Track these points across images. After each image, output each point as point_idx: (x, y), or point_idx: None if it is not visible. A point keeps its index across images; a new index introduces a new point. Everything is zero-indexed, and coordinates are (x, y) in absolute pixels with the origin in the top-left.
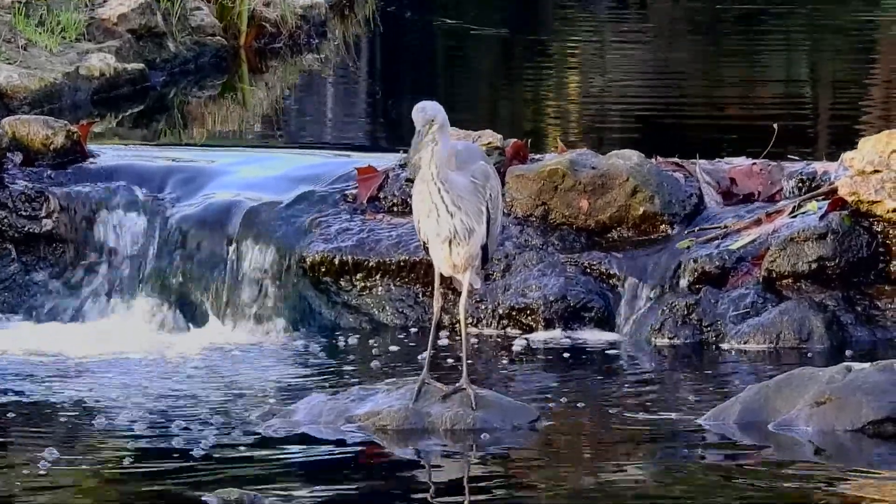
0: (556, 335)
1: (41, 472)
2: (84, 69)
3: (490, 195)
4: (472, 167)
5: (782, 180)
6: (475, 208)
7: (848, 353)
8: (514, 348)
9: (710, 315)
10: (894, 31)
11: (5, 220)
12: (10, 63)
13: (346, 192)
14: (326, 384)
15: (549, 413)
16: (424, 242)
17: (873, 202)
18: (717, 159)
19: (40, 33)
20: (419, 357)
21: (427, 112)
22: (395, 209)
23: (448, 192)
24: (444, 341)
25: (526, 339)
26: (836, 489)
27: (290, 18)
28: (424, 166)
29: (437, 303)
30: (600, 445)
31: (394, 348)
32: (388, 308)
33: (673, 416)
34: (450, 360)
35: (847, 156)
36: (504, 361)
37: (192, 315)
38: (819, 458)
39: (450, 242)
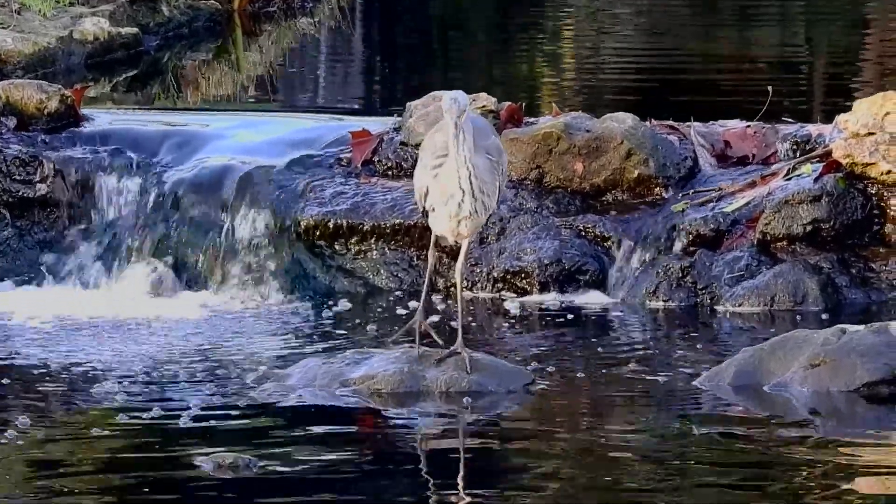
0: (551, 298)
1: (20, 437)
2: (78, 33)
3: (502, 170)
4: (486, 143)
5: (777, 143)
6: (493, 186)
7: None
8: (509, 311)
9: (705, 277)
10: None
11: None
12: (3, 27)
13: (341, 155)
14: (321, 348)
15: (543, 376)
16: (426, 210)
17: (868, 164)
18: (711, 122)
19: None
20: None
21: (460, 103)
22: (390, 173)
23: (477, 177)
24: (438, 305)
25: (520, 302)
26: (830, 450)
27: None
28: (458, 154)
29: (431, 258)
30: (595, 408)
31: (388, 312)
32: (382, 272)
33: (667, 378)
34: (444, 324)
35: (841, 118)
36: (499, 325)
37: (186, 279)
38: (813, 419)
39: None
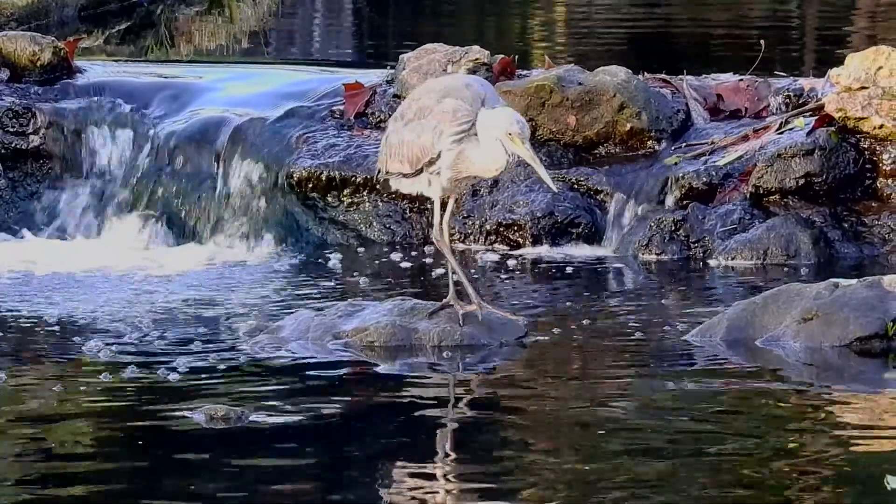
0: (544, 251)
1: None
2: None
3: None
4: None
5: (769, 96)
6: None
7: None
8: (502, 264)
9: (698, 231)
10: None
11: None
12: None
13: (334, 108)
14: (313, 300)
15: (536, 329)
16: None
17: (860, 118)
18: (704, 75)
19: None
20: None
21: (525, 126)
22: (383, 125)
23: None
24: (429, 259)
25: (513, 255)
26: (822, 405)
27: None
28: (544, 174)
29: (446, 235)
30: (587, 361)
31: (381, 264)
32: (375, 224)
33: (660, 332)
34: (436, 277)
35: (834, 72)
36: (491, 278)
37: (179, 231)
38: (806, 374)
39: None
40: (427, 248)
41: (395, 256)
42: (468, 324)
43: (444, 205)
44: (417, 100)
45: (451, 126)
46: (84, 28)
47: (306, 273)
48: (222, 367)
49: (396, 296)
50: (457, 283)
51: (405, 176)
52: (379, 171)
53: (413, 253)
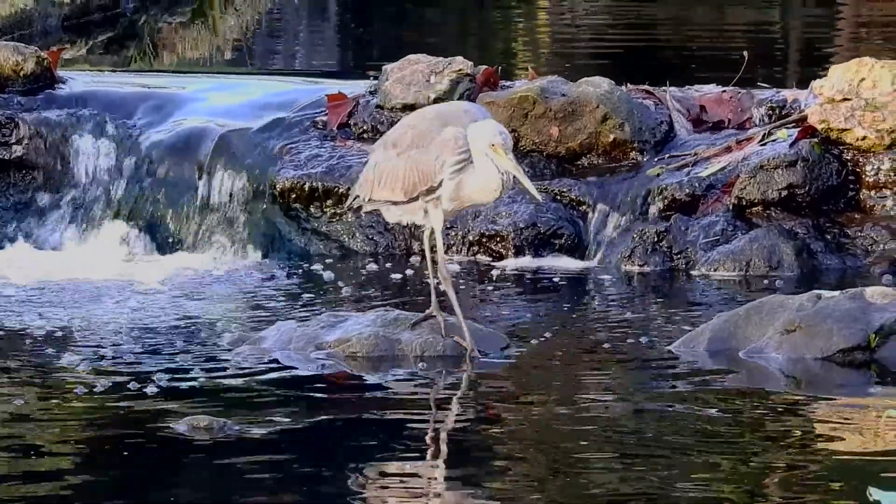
0: (526, 262)
1: None
2: None
3: None
4: None
5: (752, 108)
6: None
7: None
8: (484, 275)
9: (680, 242)
10: None
11: None
12: None
13: (317, 118)
14: (296, 311)
15: (518, 340)
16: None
17: (843, 130)
18: (687, 87)
19: None
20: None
21: (508, 135)
22: (366, 136)
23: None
24: (411, 270)
25: (496, 266)
26: (805, 416)
27: None
28: (529, 184)
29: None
30: (570, 372)
31: (363, 275)
32: (357, 235)
33: (643, 343)
34: (419, 287)
35: (817, 84)
36: (474, 289)
37: (163, 241)
38: (789, 385)
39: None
40: (411, 260)
41: (378, 267)
42: (451, 334)
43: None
44: (413, 127)
45: (454, 154)
46: (67, 38)
47: (289, 284)
48: (205, 377)
49: (379, 306)
50: (441, 297)
51: (395, 204)
52: (357, 198)
53: (396, 264)
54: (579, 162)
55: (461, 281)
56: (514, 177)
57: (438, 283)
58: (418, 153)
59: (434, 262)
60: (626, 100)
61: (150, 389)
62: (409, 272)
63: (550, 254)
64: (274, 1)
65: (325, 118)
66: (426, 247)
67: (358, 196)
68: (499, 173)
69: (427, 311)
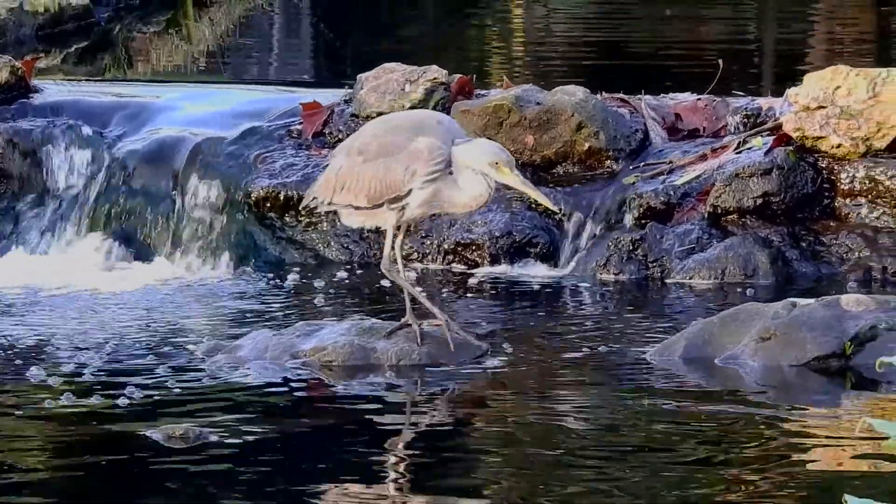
0: (502, 271)
1: None
2: (28, 4)
3: None
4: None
5: (727, 116)
6: None
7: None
8: (460, 284)
9: (656, 250)
10: None
11: None
12: None
13: (291, 127)
14: (271, 320)
15: (494, 349)
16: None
17: (818, 138)
18: (662, 95)
19: None
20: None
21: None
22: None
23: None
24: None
25: (471, 274)
26: (780, 425)
27: None
28: (538, 193)
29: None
30: (546, 380)
31: (338, 283)
32: (333, 244)
33: (618, 351)
34: (394, 296)
35: (792, 92)
36: (449, 297)
37: (137, 250)
38: (764, 392)
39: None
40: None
41: (353, 275)
42: (427, 343)
43: (395, 234)
44: (381, 136)
45: (427, 166)
46: (41, 47)
47: (264, 292)
48: (180, 386)
49: (355, 315)
50: (413, 301)
51: (357, 209)
52: (315, 199)
53: (371, 272)
54: (554, 170)
55: (437, 289)
56: (524, 193)
57: (419, 292)
58: (386, 162)
59: (394, 261)
60: (602, 108)
61: (125, 398)
62: (384, 280)
63: (526, 262)
64: (249, 10)
65: (300, 127)
66: (398, 254)
67: (316, 198)
68: (488, 188)
69: (403, 320)
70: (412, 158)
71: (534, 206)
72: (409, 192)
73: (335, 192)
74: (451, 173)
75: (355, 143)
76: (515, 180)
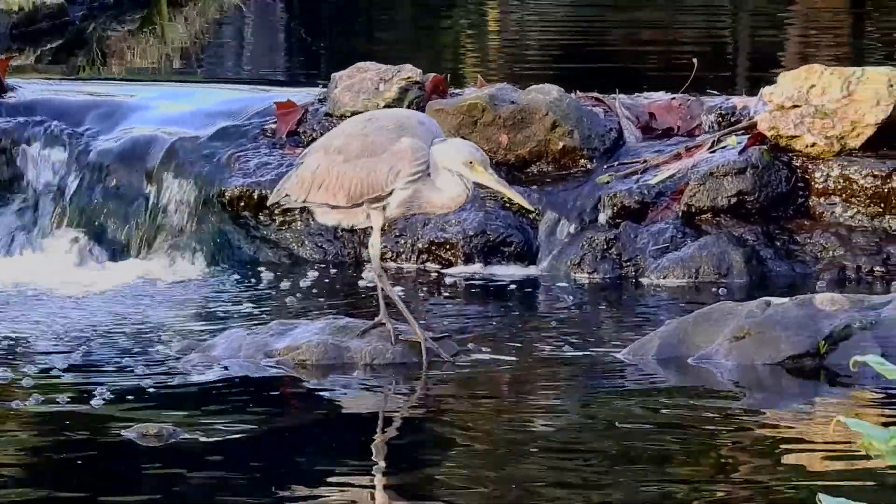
0: (476, 270)
1: None
2: (2, 3)
3: None
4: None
5: (702, 115)
6: None
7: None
8: (433, 283)
9: (630, 250)
10: None
11: None
12: None
13: (266, 126)
14: (245, 319)
15: (468, 348)
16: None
17: (793, 137)
18: (636, 94)
19: None
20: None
21: (481, 153)
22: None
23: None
24: (361, 278)
25: (445, 273)
26: (754, 424)
27: None
28: (513, 192)
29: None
30: (520, 379)
31: (312, 282)
32: (307, 242)
33: (592, 350)
34: (368, 295)
35: (766, 91)
36: (423, 296)
37: (112, 249)
38: (738, 392)
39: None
40: (362, 268)
41: (327, 275)
42: (400, 342)
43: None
44: (362, 136)
45: (411, 166)
46: (16, 46)
47: (238, 292)
48: (154, 385)
49: (329, 314)
50: (388, 301)
51: (334, 207)
52: (287, 196)
53: (345, 271)
54: (529, 169)
55: (410, 288)
56: (498, 192)
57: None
58: (369, 161)
59: (369, 260)
60: (576, 107)
61: (99, 397)
62: (358, 279)
63: (500, 261)
64: (223, 10)
65: (274, 126)
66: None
67: (288, 196)
68: (466, 189)
69: (376, 319)
70: (396, 158)
71: (508, 205)
72: (391, 192)
73: (311, 190)
74: (429, 174)
75: (334, 143)
76: (490, 179)
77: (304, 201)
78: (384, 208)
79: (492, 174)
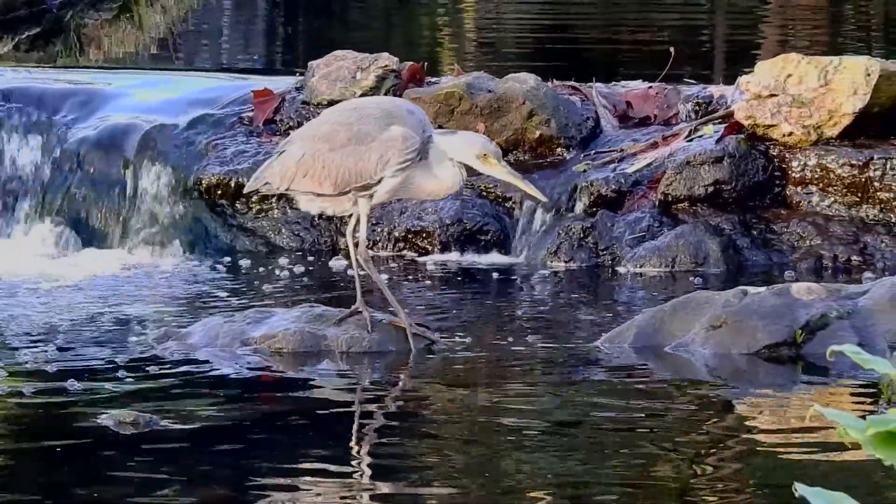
0: (452, 258)
1: None
2: None
3: None
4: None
5: (678, 104)
6: None
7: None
8: (410, 271)
9: (606, 238)
10: None
11: None
12: None
13: (243, 114)
14: (222, 307)
15: (444, 337)
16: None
17: (769, 126)
18: (613, 83)
19: None
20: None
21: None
22: (292, 132)
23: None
24: (337, 266)
25: (422, 262)
26: (730, 412)
27: None
28: (529, 186)
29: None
30: (495, 369)
31: (289, 270)
32: (283, 231)
33: (568, 339)
34: (344, 283)
35: (743, 80)
36: (399, 284)
37: (88, 237)
38: (715, 381)
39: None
40: (338, 256)
41: (304, 263)
42: (377, 330)
43: (357, 221)
44: (350, 124)
45: (401, 155)
46: None
47: (215, 280)
48: (130, 373)
49: (305, 302)
50: (365, 289)
51: (319, 195)
52: (267, 184)
53: (322, 260)
54: (506, 158)
55: (387, 277)
56: (512, 184)
57: (365, 277)
58: (357, 150)
59: (356, 245)
60: (553, 96)
61: (75, 385)
62: (334, 268)
63: (476, 250)
64: None
65: (251, 114)
66: (349, 240)
67: (269, 184)
68: (461, 179)
69: (353, 307)
70: (386, 147)
71: (484, 193)
72: (380, 180)
73: (295, 178)
74: (420, 161)
75: (319, 130)
76: (503, 171)
77: (287, 189)
78: (371, 196)
79: (504, 166)
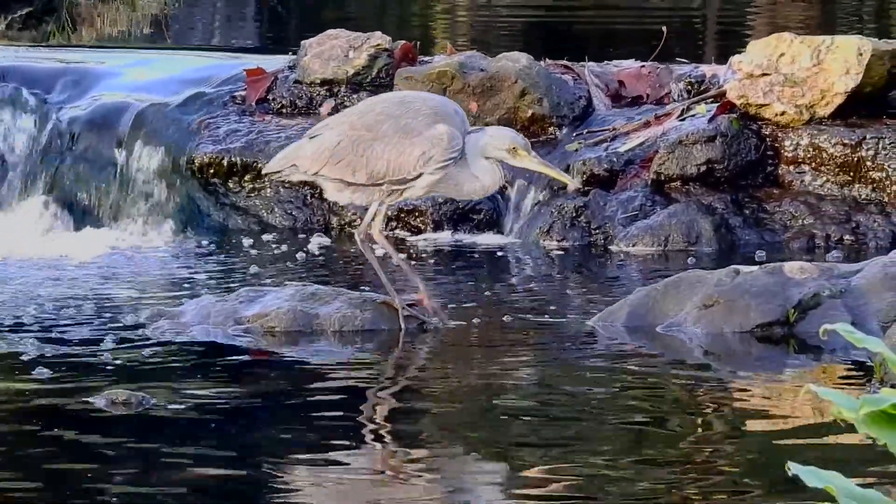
0: (445, 237)
1: None
2: None
3: None
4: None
5: (671, 83)
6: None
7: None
8: (403, 250)
9: (599, 217)
10: None
11: None
12: None
13: (235, 93)
14: (215, 285)
15: (437, 315)
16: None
17: (762, 105)
18: (605, 62)
19: None
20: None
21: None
22: (284, 111)
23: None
24: (330, 244)
25: (414, 240)
26: (722, 391)
27: None
28: (560, 174)
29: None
30: (489, 347)
31: (282, 249)
32: (276, 210)
33: (561, 318)
34: (337, 262)
35: (735, 59)
36: (392, 264)
37: (81, 217)
38: (707, 360)
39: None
40: (331, 235)
41: (297, 242)
42: (369, 309)
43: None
44: (396, 116)
45: (445, 153)
46: None
47: (208, 258)
48: (123, 352)
49: (297, 281)
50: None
51: (349, 184)
52: (293, 167)
53: (314, 238)
54: None
55: (380, 256)
56: (543, 172)
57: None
58: (401, 143)
59: (368, 231)
60: (545, 75)
61: (68, 364)
62: (327, 246)
63: (469, 229)
64: None
65: (243, 93)
66: (365, 229)
67: (296, 166)
68: (500, 178)
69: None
70: (431, 144)
71: None
72: (419, 175)
73: (327, 164)
74: (460, 160)
75: (362, 119)
76: (534, 162)
77: (315, 174)
78: (402, 192)
79: (534, 157)
